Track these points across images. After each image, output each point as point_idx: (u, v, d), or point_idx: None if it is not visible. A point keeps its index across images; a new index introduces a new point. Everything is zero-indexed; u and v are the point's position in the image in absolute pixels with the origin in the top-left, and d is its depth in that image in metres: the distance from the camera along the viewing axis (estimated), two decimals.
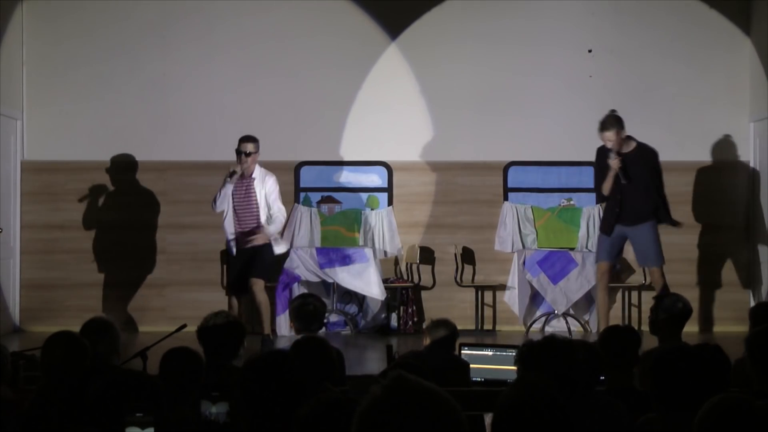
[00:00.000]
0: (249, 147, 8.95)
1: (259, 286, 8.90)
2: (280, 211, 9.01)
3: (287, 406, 3.38)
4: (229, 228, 8.99)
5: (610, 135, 8.95)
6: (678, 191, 10.68)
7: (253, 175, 8.99)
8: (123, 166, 10.59)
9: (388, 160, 10.68)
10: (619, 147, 8.98)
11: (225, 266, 9.76)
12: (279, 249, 9.18)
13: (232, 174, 8.91)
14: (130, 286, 10.53)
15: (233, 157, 10.00)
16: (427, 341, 5.99)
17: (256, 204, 8.96)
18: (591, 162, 10.67)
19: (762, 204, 10.42)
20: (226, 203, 8.97)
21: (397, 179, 10.67)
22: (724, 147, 10.68)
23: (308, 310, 6.22)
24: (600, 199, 9.61)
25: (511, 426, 2.72)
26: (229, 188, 8.93)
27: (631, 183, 8.96)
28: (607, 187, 9.04)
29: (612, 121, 8.94)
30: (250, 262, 8.90)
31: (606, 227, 9.14)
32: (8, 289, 10.34)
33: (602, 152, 9.11)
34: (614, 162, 8.90)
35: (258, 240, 8.87)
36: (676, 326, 5.80)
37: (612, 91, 10.65)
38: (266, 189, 8.97)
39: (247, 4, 10.64)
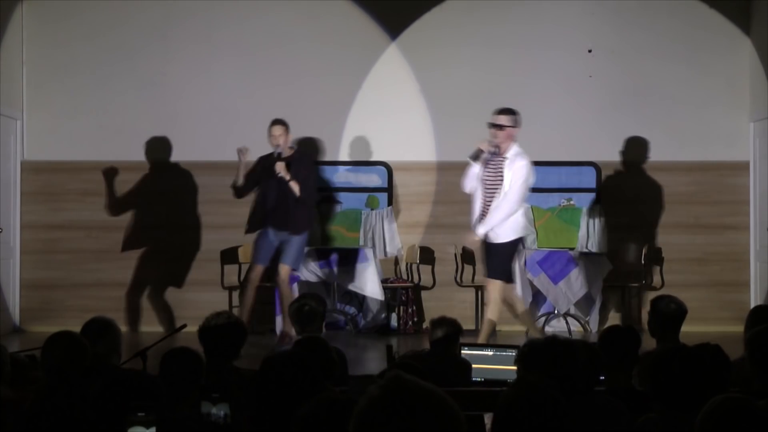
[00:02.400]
0: (501, 119, 8.09)
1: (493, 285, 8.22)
2: (507, 200, 8.01)
3: (288, 406, 3.38)
4: (476, 208, 8.16)
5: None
6: (678, 191, 10.70)
7: (506, 155, 8.08)
8: (123, 166, 10.59)
9: (388, 160, 10.68)
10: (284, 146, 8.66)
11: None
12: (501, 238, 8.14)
13: (476, 155, 8.06)
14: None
15: (233, 156, 9.99)
16: (430, 339, 6.00)
17: (501, 185, 8.03)
18: (591, 162, 10.70)
19: (762, 204, 10.41)
20: (473, 183, 8.12)
21: (397, 179, 10.67)
22: (724, 147, 10.68)
23: (304, 311, 6.21)
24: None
25: (511, 426, 2.73)
26: (474, 168, 8.10)
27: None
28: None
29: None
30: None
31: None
32: (8, 289, 10.34)
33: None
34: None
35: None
36: (671, 327, 5.79)
37: (612, 91, 10.66)
38: (512, 171, 8.01)
39: (247, 5, 10.64)
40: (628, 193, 10.67)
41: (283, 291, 9.00)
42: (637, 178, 10.69)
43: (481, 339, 8.09)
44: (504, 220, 8.02)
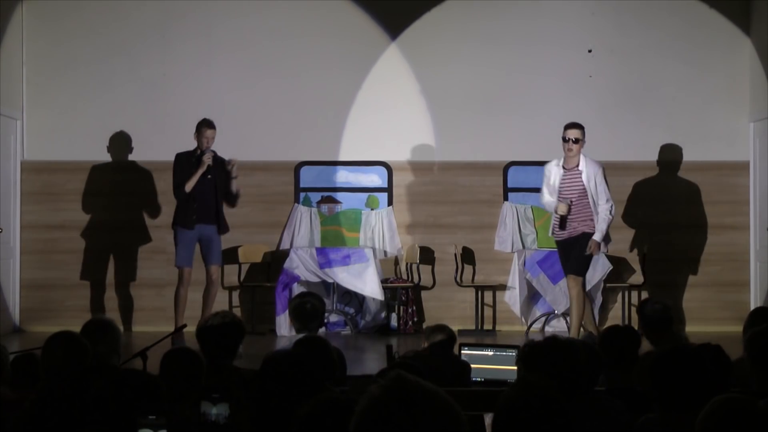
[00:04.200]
0: (574, 133, 8.43)
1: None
2: (603, 209, 8.37)
3: (288, 406, 3.38)
4: (556, 222, 8.48)
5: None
6: (678, 191, 10.70)
7: (579, 167, 8.45)
8: (123, 166, 10.59)
9: (388, 160, 10.68)
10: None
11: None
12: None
13: (562, 222, 8.38)
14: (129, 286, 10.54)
15: (232, 156, 10.01)
16: (425, 344, 6.00)
17: (584, 195, 8.37)
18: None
19: (762, 204, 10.41)
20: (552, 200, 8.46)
21: (397, 179, 10.67)
22: (724, 147, 10.68)
23: (306, 309, 6.21)
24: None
25: (511, 426, 2.72)
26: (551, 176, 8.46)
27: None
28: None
29: None
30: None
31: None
32: (8, 289, 10.34)
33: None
34: None
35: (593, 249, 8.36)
36: (660, 329, 5.80)
37: (612, 91, 10.66)
38: (596, 179, 8.41)
39: (246, 4, 10.64)
40: (628, 193, 10.66)
41: (215, 292, 9.28)
42: (636, 178, 10.69)
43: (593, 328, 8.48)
44: (609, 226, 8.49)
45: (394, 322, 10.21)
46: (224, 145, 10.43)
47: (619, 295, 10.46)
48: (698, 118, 10.69)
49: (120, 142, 10.59)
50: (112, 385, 3.41)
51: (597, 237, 8.36)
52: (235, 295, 10.46)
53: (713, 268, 10.64)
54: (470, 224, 10.67)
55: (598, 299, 10.26)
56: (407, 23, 10.69)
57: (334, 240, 10.62)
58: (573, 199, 8.36)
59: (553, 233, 8.59)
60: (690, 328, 10.13)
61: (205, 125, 9.26)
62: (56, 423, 3.93)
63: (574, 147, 8.39)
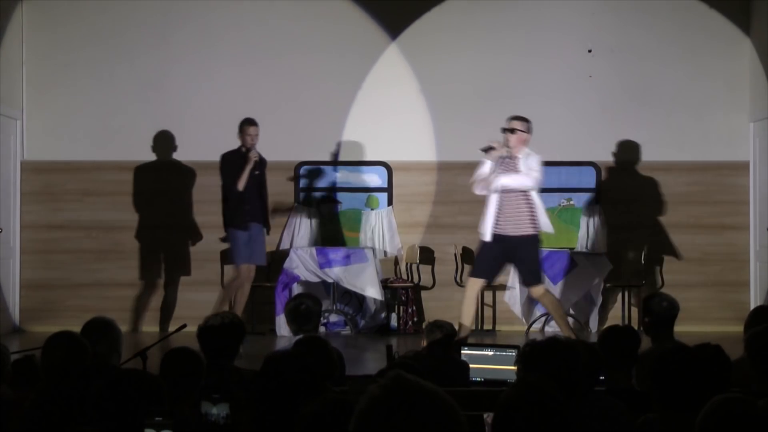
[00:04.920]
0: (514, 123, 8.38)
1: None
2: (518, 179, 8.22)
3: (289, 406, 3.38)
4: (489, 212, 8.32)
5: None
6: (678, 191, 10.70)
7: (519, 155, 8.32)
8: (123, 166, 10.59)
9: (388, 160, 10.68)
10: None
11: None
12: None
13: (487, 148, 8.30)
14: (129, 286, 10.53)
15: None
16: (424, 343, 6.00)
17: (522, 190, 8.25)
18: (591, 162, 10.71)
19: (762, 204, 10.42)
20: (484, 185, 8.32)
21: (397, 179, 10.67)
22: (724, 147, 10.68)
23: (301, 311, 6.20)
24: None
25: (511, 426, 2.72)
26: (484, 170, 8.33)
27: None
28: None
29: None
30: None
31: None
32: (8, 289, 10.34)
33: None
34: None
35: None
36: (665, 325, 5.78)
37: (612, 91, 10.66)
38: (530, 164, 8.29)
39: (247, 5, 10.64)
40: (628, 193, 10.67)
41: (248, 290, 9.32)
42: (635, 177, 10.69)
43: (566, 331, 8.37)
44: (518, 186, 8.27)
45: (394, 322, 10.21)
46: (224, 145, 10.44)
47: (619, 295, 10.46)
48: (698, 118, 10.69)
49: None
50: (112, 385, 3.41)
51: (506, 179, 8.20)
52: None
53: (713, 268, 10.65)
54: (470, 224, 10.65)
55: (598, 299, 10.26)
56: (407, 23, 10.69)
57: (334, 240, 10.61)
58: (508, 190, 8.22)
59: (484, 235, 8.31)
60: (690, 328, 10.12)
61: (246, 123, 9.32)
62: (56, 423, 3.93)
63: (512, 137, 8.32)
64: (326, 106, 10.59)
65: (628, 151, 10.68)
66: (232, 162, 9.28)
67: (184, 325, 6.59)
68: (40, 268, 10.54)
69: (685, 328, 5.94)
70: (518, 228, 8.27)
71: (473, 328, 8.49)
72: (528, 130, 8.39)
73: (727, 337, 6.55)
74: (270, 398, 3.42)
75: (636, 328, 8.15)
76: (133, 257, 10.55)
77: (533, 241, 8.30)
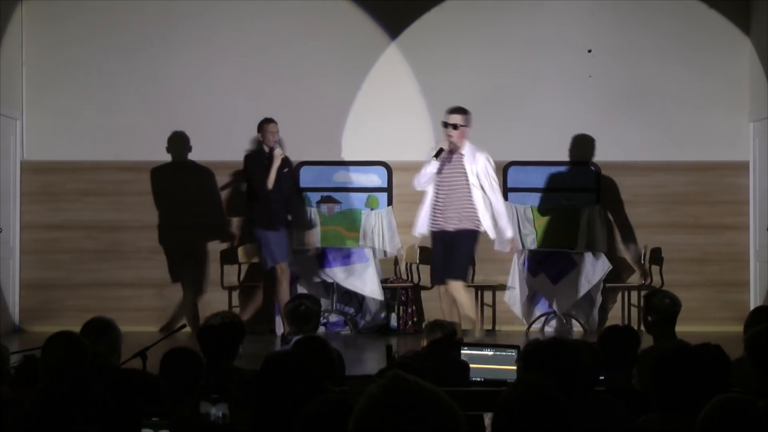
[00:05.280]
0: (455, 118, 8.28)
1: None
2: (498, 201, 8.33)
3: (289, 406, 3.38)
4: (427, 205, 8.40)
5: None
6: (678, 191, 10.70)
7: (463, 151, 8.32)
8: (123, 166, 10.59)
9: (388, 160, 10.67)
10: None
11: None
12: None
13: (438, 152, 8.30)
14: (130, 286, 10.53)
15: (233, 156, 10.02)
16: (424, 343, 6.00)
17: (463, 181, 8.31)
18: (591, 162, 10.71)
19: (762, 204, 10.42)
20: (427, 181, 8.39)
21: (397, 179, 10.67)
22: (724, 147, 10.68)
23: (300, 311, 6.21)
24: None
25: (511, 426, 2.72)
26: (430, 168, 8.35)
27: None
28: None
29: None
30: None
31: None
32: (8, 289, 10.34)
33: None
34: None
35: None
36: (666, 323, 5.77)
37: (612, 91, 10.66)
38: (477, 167, 8.29)
39: (247, 5, 10.64)
40: (628, 193, 10.68)
41: (286, 288, 9.14)
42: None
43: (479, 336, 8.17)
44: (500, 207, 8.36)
45: (393, 322, 10.21)
46: (224, 145, 10.45)
47: (619, 295, 10.46)
48: (698, 118, 10.69)
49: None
50: (112, 385, 3.41)
51: (509, 234, 8.29)
52: (235, 295, 10.45)
53: (713, 268, 10.65)
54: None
55: (598, 299, 10.26)
56: (407, 23, 10.69)
57: (334, 240, 10.61)
58: (453, 185, 8.17)
59: (417, 228, 8.34)
60: (690, 328, 10.10)
61: (266, 122, 9.27)
62: (56, 423, 3.93)
63: (454, 133, 8.22)
64: (326, 106, 10.59)
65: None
66: (257, 161, 9.16)
67: (184, 325, 6.60)
68: (40, 268, 10.54)
69: (685, 328, 5.93)
70: (461, 222, 8.30)
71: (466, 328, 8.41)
72: (468, 123, 8.32)
73: (727, 337, 6.54)
74: (270, 398, 3.42)
75: (636, 328, 8.16)
76: (132, 257, 10.54)
77: (472, 235, 8.31)
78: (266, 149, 9.26)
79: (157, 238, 10.54)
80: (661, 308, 5.79)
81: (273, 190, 9.07)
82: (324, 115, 10.59)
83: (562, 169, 10.70)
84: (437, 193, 8.32)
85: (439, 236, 8.34)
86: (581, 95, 10.66)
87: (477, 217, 8.33)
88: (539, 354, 3.72)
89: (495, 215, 8.34)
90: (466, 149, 8.27)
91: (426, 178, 8.32)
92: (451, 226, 8.31)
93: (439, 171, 8.32)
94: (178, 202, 10.58)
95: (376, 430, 1.90)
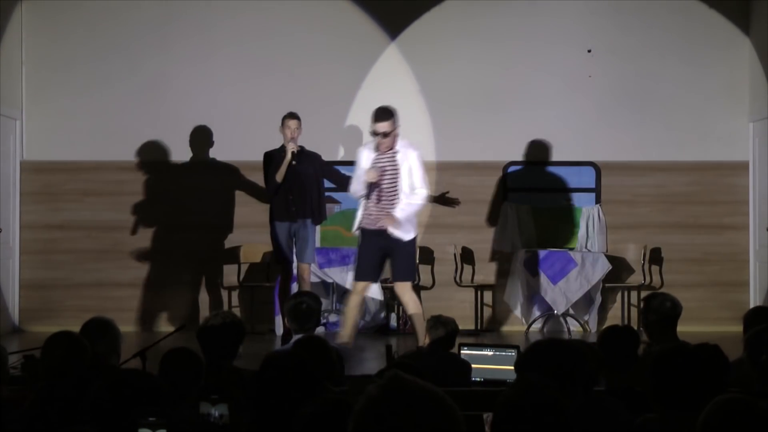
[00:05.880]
0: (382, 126, 7.90)
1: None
2: (421, 193, 8.05)
3: (288, 406, 3.38)
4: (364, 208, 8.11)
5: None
6: (678, 191, 10.71)
7: (395, 148, 8.00)
8: (123, 166, 10.59)
9: None
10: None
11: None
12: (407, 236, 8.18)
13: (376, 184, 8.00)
14: (130, 286, 10.53)
15: (233, 156, 10.03)
16: (426, 340, 5.99)
17: (398, 177, 8.01)
18: (591, 162, 10.71)
19: (761, 204, 10.42)
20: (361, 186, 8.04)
21: None
22: (724, 147, 10.69)
23: (302, 309, 6.20)
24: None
25: (511, 426, 2.72)
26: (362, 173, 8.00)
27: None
28: None
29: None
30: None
31: None
32: (8, 289, 10.34)
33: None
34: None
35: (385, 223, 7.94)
36: (667, 325, 5.74)
37: (612, 91, 10.66)
38: (411, 164, 8.00)
39: (246, 4, 10.64)
40: (628, 193, 10.67)
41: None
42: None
43: (423, 340, 7.97)
44: (417, 212, 8.10)
45: (393, 322, 10.21)
46: (224, 145, 10.45)
47: (619, 295, 10.46)
48: (698, 118, 10.70)
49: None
50: (112, 385, 3.41)
51: (398, 213, 7.87)
52: (235, 294, 10.46)
53: (713, 268, 10.65)
54: (470, 224, 10.67)
55: (598, 299, 10.26)
56: (407, 23, 10.69)
57: (334, 240, 10.61)
58: (386, 182, 7.95)
59: (359, 227, 8.03)
60: (690, 328, 10.10)
61: (286, 116, 9.05)
62: (56, 423, 3.93)
63: (385, 141, 7.89)
64: (326, 106, 10.59)
65: (628, 151, 10.67)
66: (272, 158, 9.01)
67: (184, 325, 6.60)
68: (40, 268, 10.54)
69: (684, 328, 5.91)
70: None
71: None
72: (396, 124, 7.98)
73: (727, 337, 6.54)
74: (269, 398, 3.42)
75: (636, 328, 8.16)
76: (132, 257, 10.53)
77: (413, 237, 8.17)
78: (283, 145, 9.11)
79: (161, 238, 10.54)
80: (663, 311, 5.75)
81: (287, 184, 8.85)
82: (324, 114, 10.59)
83: (562, 169, 10.70)
84: (374, 194, 8.02)
85: (377, 233, 8.04)
86: (581, 95, 10.66)
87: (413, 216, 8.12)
88: (538, 354, 3.71)
89: (410, 203, 8.02)
90: (399, 145, 8.02)
91: (360, 185, 8.01)
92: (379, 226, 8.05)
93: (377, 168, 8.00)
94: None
95: (376, 431, 1.90)
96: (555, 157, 10.66)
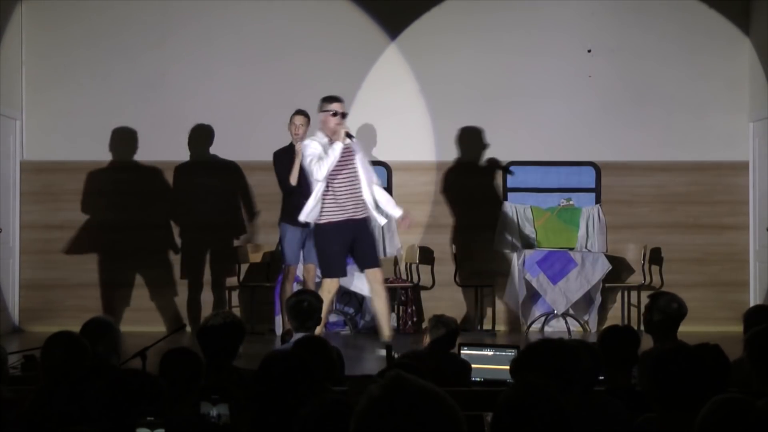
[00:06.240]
0: (343, 107, 8.25)
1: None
2: (380, 187, 8.32)
3: (288, 406, 3.38)
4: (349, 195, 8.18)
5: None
6: (678, 191, 10.71)
7: (347, 142, 8.19)
8: (123, 166, 10.59)
9: (388, 160, 10.67)
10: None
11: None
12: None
13: (349, 136, 8.13)
14: (130, 286, 10.52)
15: (232, 156, 10.03)
16: (427, 340, 5.99)
17: (358, 169, 8.20)
18: (591, 162, 10.71)
19: (761, 204, 10.42)
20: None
21: (396, 179, 10.67)
22: (724, 147, 10.69)
23: (303, 307, 6.21)
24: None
25: (511, 426, 2.73)
26: (336, 153, 8.07)
27: None
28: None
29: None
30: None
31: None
32: (8, 289, 10.34)
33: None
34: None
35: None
36: (670, 326, 5.75)
37: (612, 91, 10.66)
38: (361, 154, 8.22)
39: (246, 4, 10.64)
40: (628, 193, 10.68)
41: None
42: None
43: (387, 335, 8.19)
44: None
45: (393, 322, 10.20)
46: (223, 145, 10.45)
47: (619, 295, 10.46)
48: (698, 118, 10.70)
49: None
50: (112, 385, 3.41)
51: (401, 211, 8.17)
52: (235, 294, 10.46)
53: (713, 268, 10.65)
54: (470, 224, 10.67)
55: (598, 299, 10.27)
56: (407, 23, 10.69)
57: None
58: (351, 173, 8.07)
59: (329, 220, 8.08)
60: (690, 328, 10.09)
61: (294, 113, 8.95)
62: (56, 423, 3.93)
63: (344, 121, 8.12)
64: None
65: (628, 151, 10.67)
66: (281, 157, 8.88)
67: (184, 325, 6.60)
68: (40, 268, 10.54)
69: (684, 328, 5.91)
70: (365, 209, 8.17)
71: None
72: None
73: (727, 337, 6.54)
74: (269, 398, 3.43)
75: (636, 328, 8.16)
76: (131, 257, 10.53)
77: (369, 222, 8.25)
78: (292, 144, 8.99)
79: (162, 238, 10.54)
80: (669, 312, 5.75)
81: (300, 185, 8.62)
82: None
83: (562, 169, 10.70)
84: (336, 182, 8.09)
85: (343, 225, 8.11)
86: (581, 95, 10.66)
87: (370, 203, 8.21)
88: (536, 354, 3.71)
89: (380, 198, 8.19)
90: (348, 140, 8.19)
91: (331, 167, 8.03)
92: (360, 214, 8.16)
93: (339, 161, 8.11)
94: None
95: (378, 431, 1.90)
96: (555, 157, 10.66)
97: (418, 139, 10.64)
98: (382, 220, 8.41)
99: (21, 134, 10.60)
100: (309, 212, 8.10)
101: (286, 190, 8.82)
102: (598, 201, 10.70)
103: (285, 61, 10.63)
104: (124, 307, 10.41)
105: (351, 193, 8.09)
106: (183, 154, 10.61)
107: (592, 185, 10.75)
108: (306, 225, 8.52)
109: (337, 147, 8.03)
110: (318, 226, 8.15)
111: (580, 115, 10.66)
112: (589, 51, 10.68)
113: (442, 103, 10.64)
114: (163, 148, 10.56)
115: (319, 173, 8.02)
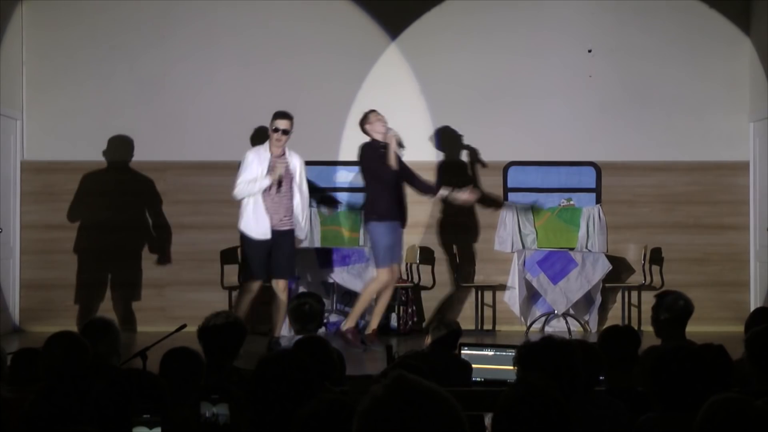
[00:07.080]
0: (285, 123, 8.60)
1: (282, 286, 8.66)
2: (306, 200, 8.79)
3: (288, 406, 3.38)
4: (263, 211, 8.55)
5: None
6: (678, 191, 10.71)
7: (286, 156, 8.66)
8: (123, 166, 10.59)
9: None
10: None
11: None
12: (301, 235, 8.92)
13: (280, 182, 8.52)
14: (130, 287, 10.52)
15: (232, 156, 10.02)
16: (428, 340, 5.99)
17: (291, 183, 8.67)
18: (591, 162, 10.71)
19: (762, 204, 10.42)
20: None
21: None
22: (724, 147, 10.69)
23: (304, 310, 6.22)
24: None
25: (511, 426, 2.73)
26: (266, 183, 8.50)
27: None
28: None
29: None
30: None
31: None
32: (8, 289, 10.34)
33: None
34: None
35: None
36: (678, 325, 5.75)
37: (612, 91, 10.66)
38: (297, 168, 8.68)
39: (246, 5, 10.64)
40: (628, 193, 10.68)
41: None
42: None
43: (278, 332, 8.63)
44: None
45: (393, 322, 10.20)
46: (223, 145, 10.44)
47: (619, 295, 10.46)
48: (698, 118, 10.70)
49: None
50: (112, 385, 3.41)
51: (303, 232, 8.75)
52: (235, 294, 10.44)
53: (713, 268, 10.65)
54: (470, 224, 10.67)
55: (598, 299, 10.26)
56: (407, 23, 10.69)
57: (334, 240, 10.61)
58: (282, 188, 8.54)
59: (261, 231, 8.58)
60: (690, 328, 10.09)
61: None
62: (56, 423, 3.93)
63: (283, 138, 8.57)
64: (326, 107, 10.59)
65: (628, 151, 10.67)
66: (369, 152, 8.99)
67: (184, 325, 6.59)
68: (40, 268, 10.54)
69: (688, 328, 5.91)
70: (289, 222, 8.63)
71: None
72: (292, 128, 8.72)
73: (727, 337, 6.54)
74: (269, 398, 3.42)
75: (636, 328, 8.17)
76: (132, 257, 10.53)
77: (293, 234, 8.70)
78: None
79: (161, 238, 10.54)
80: (676, 310, 5.75)
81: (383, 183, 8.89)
82: (324, 114, 10.59)
83: (562, 169, 10.70)
84: (269, 195, 8.58)
85: (263, 241, 8.58)
86: (581, 95, 10.66)
87: (296, 216, 8.68)
88: (534, 354, 3.71)
89: (299, 212, 8.68)
90: (287, 153, 8.67)
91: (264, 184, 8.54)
92: (284, 226, 8.60)
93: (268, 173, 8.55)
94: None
95: (380, 431, 1.90)
96: (555, 157, 10.65)
97: (418, 139, 10.64)
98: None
99: (21, 134, 10.60)
100: (258, 227, 8.58)
101: (382, 183, 8.87)
102: (598, 201, 10.70)
103: (285, 61, 10.63)
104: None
105: (276, 206, 8.59)
106: (183, 154, 10.60)
107: (593, 185, 10.74)
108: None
109: (265, 182, 8.53)
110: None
111: (580, 115, 10.66)
112: (590, 51, 10.68)
113: (442, 103, 10.64)
114: (163, 148, 10.56)
115: (238, 191, 8.60)
